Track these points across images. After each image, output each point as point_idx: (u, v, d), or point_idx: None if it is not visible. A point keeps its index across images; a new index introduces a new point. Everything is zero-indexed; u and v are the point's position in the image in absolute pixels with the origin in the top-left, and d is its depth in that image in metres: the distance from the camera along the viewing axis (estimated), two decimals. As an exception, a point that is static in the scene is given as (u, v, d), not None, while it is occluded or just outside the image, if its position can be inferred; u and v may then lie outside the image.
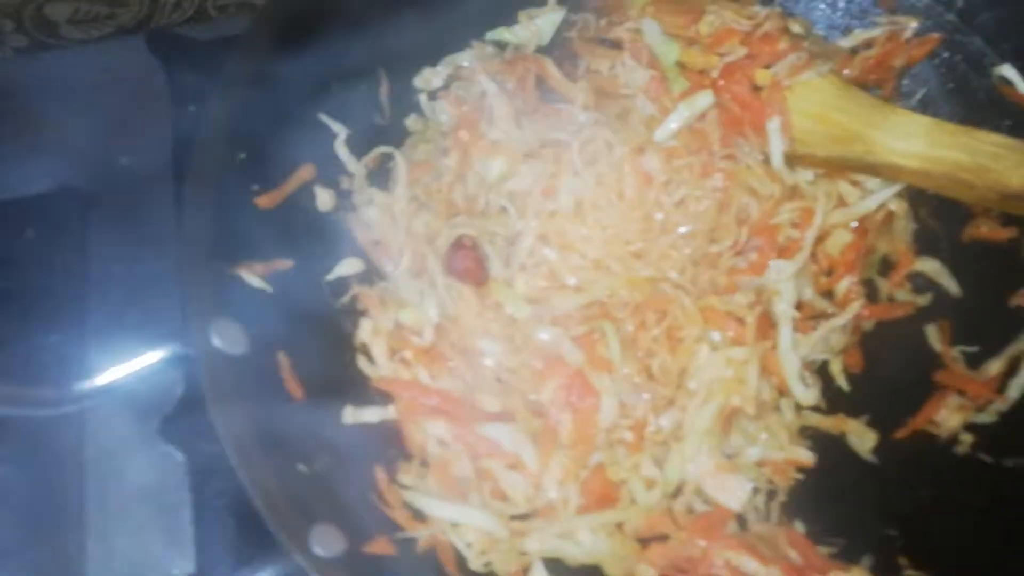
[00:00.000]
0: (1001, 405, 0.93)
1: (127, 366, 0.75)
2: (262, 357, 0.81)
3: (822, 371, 0.98)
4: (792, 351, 0.93)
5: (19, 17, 1.33)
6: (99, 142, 1.25)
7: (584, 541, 0.84)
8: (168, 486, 1.01)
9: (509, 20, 1.11)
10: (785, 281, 0.94)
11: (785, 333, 0.93)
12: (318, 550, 0.71)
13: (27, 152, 1.23)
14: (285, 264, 0.88)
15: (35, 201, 1.17)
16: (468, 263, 0.93)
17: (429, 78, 1.07)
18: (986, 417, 0.93)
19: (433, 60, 1.08)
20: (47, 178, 1.20)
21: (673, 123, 0.97)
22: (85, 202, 1.19)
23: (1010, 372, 0.93)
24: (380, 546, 0.77)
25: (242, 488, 0.94)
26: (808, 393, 0.93)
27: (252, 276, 0.85)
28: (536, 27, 1.11)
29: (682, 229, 0.94)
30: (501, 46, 1.11)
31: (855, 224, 1.00)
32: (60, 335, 1.08)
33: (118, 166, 1.23)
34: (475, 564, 0.82)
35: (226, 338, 0.78)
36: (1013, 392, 0.92)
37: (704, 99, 0.97)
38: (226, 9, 1.44)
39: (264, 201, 0.89)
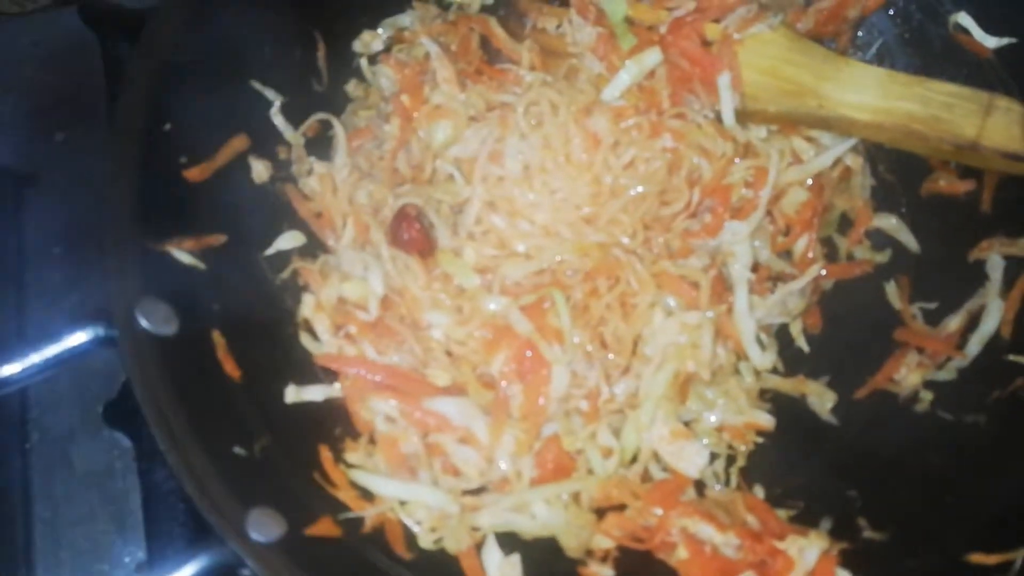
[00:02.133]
0: (961, 362, 0.91)
1: (50, 349, 0.72)
2: (195, 337, 0.78)
3: (781, 333, 0.96)
4: (748, 314, 0.91)
5: (-52, -9, 1.27)
6: (33, 118, 1.20)
7: (539, 513, 0.82)
8: (115, 472, 0.98)
9: (453, -22, 1.07)
10: (740, 243, 0.92)
11: (741, 296, 0.91)
12: (255, 535, 0.69)
13: (-42, 131, 1.18)
14: (218, 239, 0.85)
15: (-33, 182, 1.12)
16: (413, 233, 0.90)
17: (369, 41, 1.04)
18: (945, 374, 0.91)
19: (373, 22, 1.04)
20: (-22, 158, 1.16)
21: (622, 81, 0.94)
22: (20, 180, 1.14)
23: (970, 327, 0.91)
24: (323, 527, 0.75)
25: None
26: (764, 357, 0.91)
27: (182, 252, 0.81)
28: (480, -15, 1.07)
29: (633, 192, 0.91)
30: (444, 6, 1.07)
31: (811, 181, 0.97)
32: (-4, 320, 1.04)
33: (53, 142, 1.18)
34: (425, 542, 0.80)
35: (153, 318, 0.75)
36: (973, 348, 0.91)
37: (652, 56, 0.95)
38: (166, -23, 1.39)
39: (193, 174, 0.85)
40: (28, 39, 1.27)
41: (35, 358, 0.71)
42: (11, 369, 0.70)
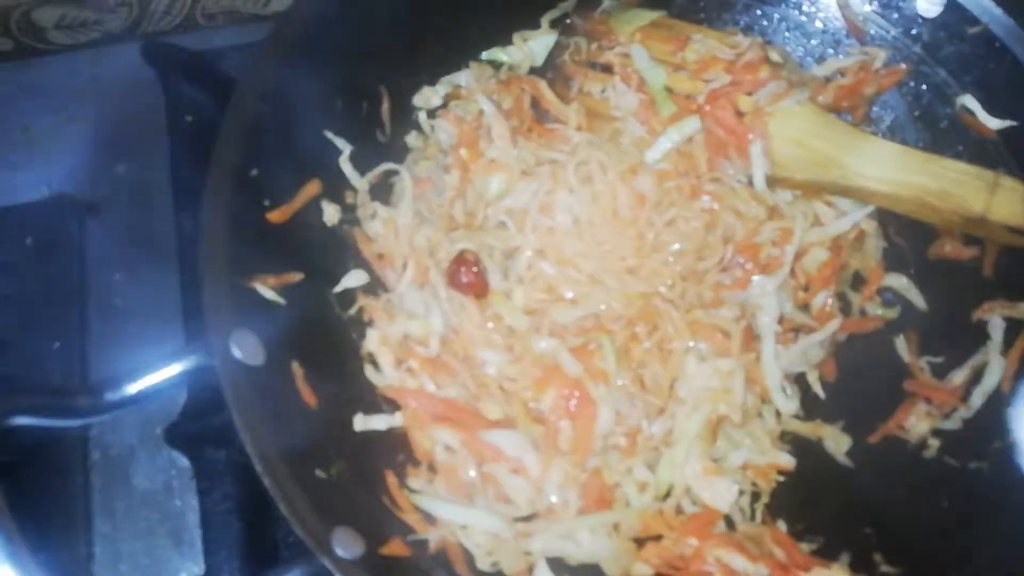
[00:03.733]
0: (965, 413, 0.99)
1: (153, 376, 0.78)
2: (277, 367, 0.84)
3: (800, 380, 1.04)
4: (775, 363, 0.98)
5: (6, 22, 1.33)
6: (95, 149, 1.27)
7: (584, 541, 0.89)
8: (174, 491, 1.04)
9: (504, 41, 1.16)
10: (768, 296, 1.00)
11: (768, 346, 0.99)
12: (340, 552, 0.75)
13: (23, 160, 1.24)
14: (295, 277, 0.91)
15: (33, 209, 1.18)
16: (471, 277, 0.97)
17: (428, 96, 1.11)
18: (951, 424, 1.00)
19: (432, 79, 1.12)
20: (44, 186, 1.22)
21: (663, 145, 1.03)
22: (83, 209, 1.21)
23: (973, 381, 1.00)
24: (395, 547, 0.81)
25: (249, 493, 0.98)
26: (789, 403, 0.99)
27: (266, 289, 0.88)
28: (529, 49, 1.16)
29: (673, 247, 1.00)
30: (496, 66, 1.15)
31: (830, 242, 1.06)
32: (61, 343, 1.10)
33: (115, 173, 1.25)
34: (483, 564, 0.86)
35: (245, 349, 0.81)
36: (976, 400, 0.99)
37: (692, 123, 1.03)
38: (214, 18, 1.46)
39: (276, 216, 0.92)
40: (90, 73, 1.34)
41: (143, 383, 0.77)
42: (123, 393, 0.76)
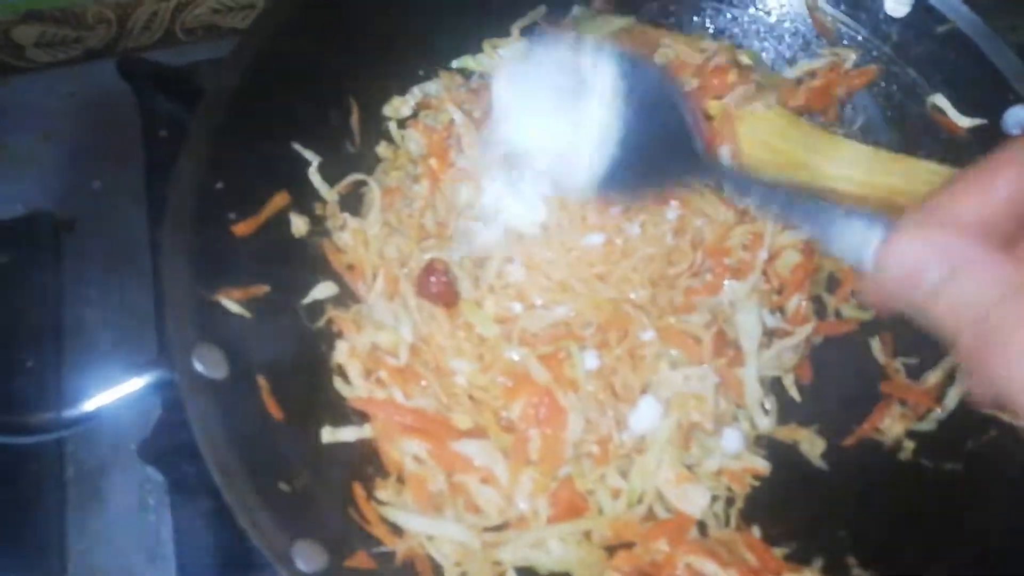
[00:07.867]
0: (940, 414, 0.99)
1: (113, 392, 0.78)
2: (242, 380, 0.84)
3: (775, 384, 1.03)
4: (756, 381, 0.97)
5: (-14, 41, 1.34)
6: (71, 166, 1.27)
7: (554, 550, 0.88)
8: (148, 507, 1.04)
9: (474, 50, 1.16)
10: (748, 311, 0.99)
11: (751, 365, 0.98)
12: (301, 565, 0.74)
13: (-2, 177, 1.24)
14: (262, 289, 0.91)
15: (8, 226, 1.18)
16: (440, 286, 0.97)
17: (398, 107, 1.12)
18: (926, 425, 0.99)
19: (402, 89, 1.13)
20: (19, 203, 1.22)
21: (632, 151, 1.02)
22: (59, 226, 1.21)
23: (947, 382, 0.99)
24: (360, 560, 0.80)
25: (223, 507, 0.97)
26: (766, 421, 0.98)
27: (231, 302, 0.87)
28: (500, 57, 1.16)
29: (642, 252, 0.99)
30: (466, 75, 1.15)
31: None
32: (36, 360, 1.10)
33: (91, 190, 1.25)
34: (451, 575, 0.85)
35: (208, 363, 0.81)
36: (950, 401, 0.99)
37: (661, 128, 1.03)
38: (194, 32, 1.47)
39: (241, 229, 0.92)
40: (66, 89, 1.35)
41: (101, 399, 0.77)
42: (80, 410, 0.76)
